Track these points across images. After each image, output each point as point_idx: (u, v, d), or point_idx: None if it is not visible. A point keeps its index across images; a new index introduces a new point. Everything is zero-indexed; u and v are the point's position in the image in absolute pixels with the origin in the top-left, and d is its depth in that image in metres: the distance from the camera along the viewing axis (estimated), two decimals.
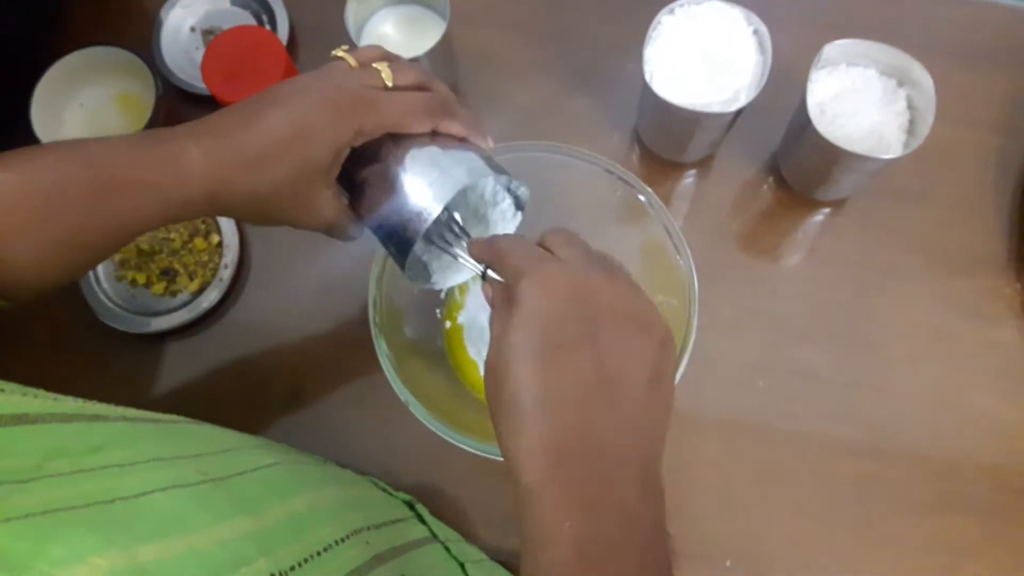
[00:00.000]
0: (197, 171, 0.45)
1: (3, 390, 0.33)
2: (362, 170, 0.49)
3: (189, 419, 0.45)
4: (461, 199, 0.50)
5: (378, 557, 0.45)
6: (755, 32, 0.66)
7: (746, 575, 0.64)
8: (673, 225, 0.58)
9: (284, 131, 0.45)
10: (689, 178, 0.75)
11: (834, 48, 0.65)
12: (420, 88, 0.50)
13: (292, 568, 0.35)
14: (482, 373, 0.66)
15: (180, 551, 0.30)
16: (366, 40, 0.72)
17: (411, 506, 0.61)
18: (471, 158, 0.48)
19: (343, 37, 0.68)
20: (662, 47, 0.66)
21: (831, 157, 0.63)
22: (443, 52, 0.69)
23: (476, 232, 0.54)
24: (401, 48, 0.72)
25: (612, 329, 0.38)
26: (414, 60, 0.67)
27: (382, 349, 0.56)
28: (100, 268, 0.72)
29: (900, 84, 0.66)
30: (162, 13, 0.79)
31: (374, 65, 0.49)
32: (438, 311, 0.69)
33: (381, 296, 0.58)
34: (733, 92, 0.65)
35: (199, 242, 0.72)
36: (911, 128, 0.65)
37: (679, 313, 0.57)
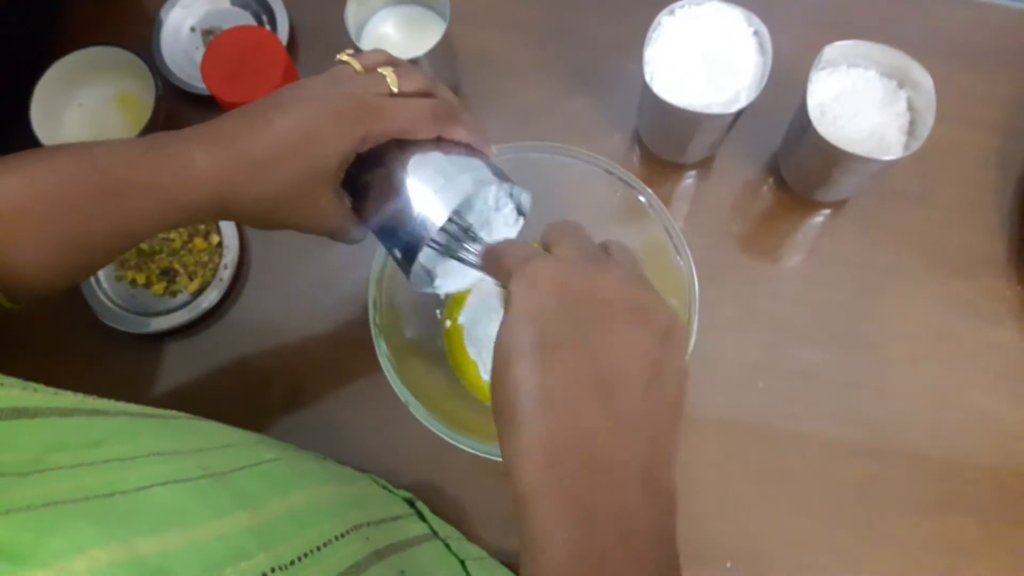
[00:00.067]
0: (202, 176, 0.45)
1: (3, 384, 0.33)
2: (366, 175, 0.49)
3: (189, 415, 0.45)
4: (465, 205, 0.50)
5: (377, 553, 0.45)
6: (755, 33, 0.66)
7: None
8: (673, 226, 0.58)
9: (290, 137, 0.45)
10: (689, 179, 0.75)
11: (834, 49, 0.65)
12: (425, 94, 0.50)
13: (291, 563, 0.35)
14: (483, 374, 0.66)
15: (180, 544, 0.30)
16: (366, 40, 0.72)
17: (411, 503, 0.61)
18: (476, 165, 0.49)
19: (343, 37, 0.68)
20: (662, 48, 0.66)
21: (831, 158, 0.63)
22: (443, 52, 0.69)
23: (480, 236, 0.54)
24: (401, 48, 0.72)
25: (606, 324, 0.36)
26: (414, 61, 0.67)
27: (382, 349, 0.56)
28: None
29: (900, 85, 0.66)
30: (162, 13, 0.79)
31: (379, 70, 0.49)
32: (438, 311, 0.69)
33: (381, 296, 0.58)
34: (733, 93, 0.65)
35: (199, 242, 0.72)
36: (911, 129, 0.65)
37: (679, 314, 0.57)
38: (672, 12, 0.66)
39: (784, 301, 0.71)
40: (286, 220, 0.49)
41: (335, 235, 0.51)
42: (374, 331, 0.56)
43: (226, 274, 0.71)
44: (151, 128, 0.71)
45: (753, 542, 0.65)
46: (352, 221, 0.50)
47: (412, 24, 0.73)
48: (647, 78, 0.64)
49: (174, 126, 0.47)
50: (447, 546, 0.57)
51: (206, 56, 0.70)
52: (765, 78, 0.64)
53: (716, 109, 0.64)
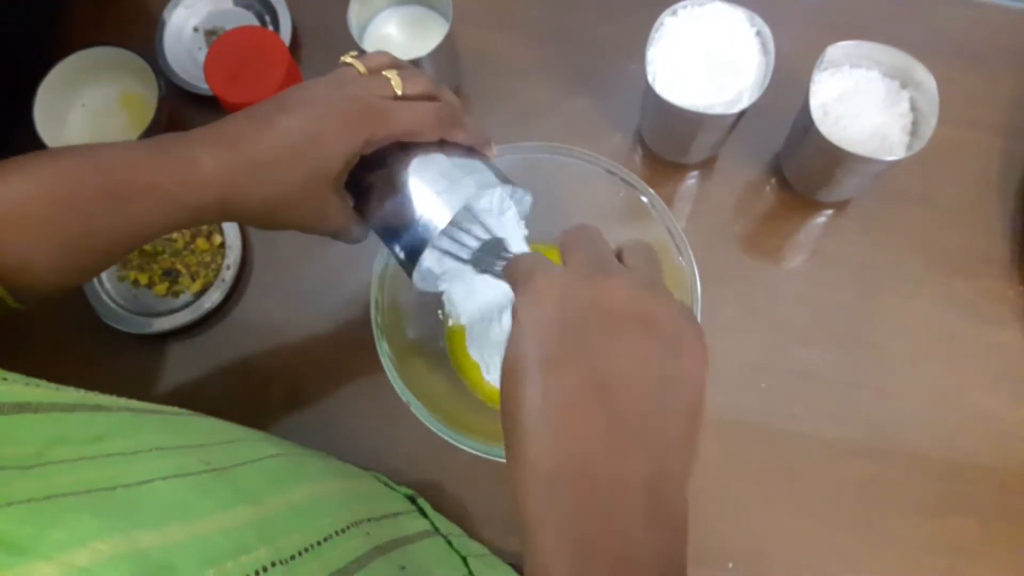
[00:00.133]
0: (208, 177, 0.45)
1: (6, 379, 0.33)
2: (370, 177, 0.49)
3: (191, 412, 0.45)
4: (467, 208, 0.51)
5: (378, 548, 0.45)
6: (758, 33, 0.66)
7: None
8: (675, 226, 0.58)
9: (295, 139, 0.46)
10: (691, 179, 0.75)
11: (837, 50, 0.65)
12: (428, 97, 0.50)
13: (292, 557, 0.35)
14: (485, 375, 0.66)
15: (182, 538, 0.30)
16: (368, 41, 0.72)
17: (413, 500, 0.61)
18: (478, 168, 0.49)
19: (346, 38, 0.68)
20: (665, 48, 0.66)
21: (834, 159, 0.63)
22: (446, 53, 0.69)
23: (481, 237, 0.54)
24: (404, 49, 0.72)
25: (610, 336, 0.34)
26: (416, 61, 0.67)
27: (384, 350, 0.56)
28: None
29: (903, 86, 0.66)
30: (165, 13, 0.79)
31: (383, 73, 0.49)
32: (440, 312, 0.69)
33: (383, 297, 0.58)
34: (736, 93, 0.65)
35: (201, 243, 0.72)
36: (914, 130, 0.65)
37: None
38: (674, 12, 0.66)
39: (786, 301, 0.71)
40: (289, 221, 0.49)
41: (338, 236, 0.52)
42: (376, 332, 0.57)
43: (228, 275, 0.71)
44: (154, 128, 0.71)
45: (754, 542, 0.65)
46: (355, 222, 0.51)
47: (414, 25, 0.73)
48: (649, 78, 0.64)
49: (177, 126, 0.47)
50: (449, 543, 0.57)
51: (209, 56, 0.70)
52: (767, 78, 0.64)
53: (718, 109, 0.64)
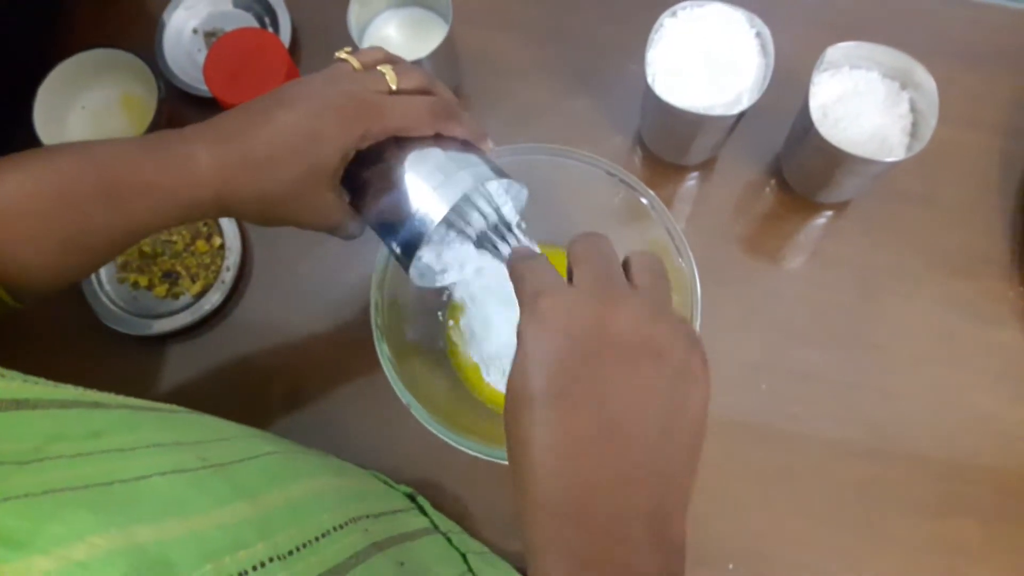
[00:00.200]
0: (204, 173, 0.45)
1: (3, 376, 0.33)
2: (366, 171, 0.49)
3: (189, 410, 0.45)
4: (464, 202, 0.51)
5: (377, 545, 0.45)
6: (758, 34, 0.66)
7: None
8: (675, 227, 0.58)
9: (291, 135, 0.46)
10: (691, 180, 0.75)
11: (837, 51, 0.65)
12: (423, 92, 0.50)
13: (290, 552, 0.35)
14: (486, 377, 0.66)
15: (179, 533, 0.30)
16: (368, 42, 0.72)
17: (412, 498, 0.61)
18: (474, 162, 0.49)
19: (345, 39, 0.68)
20: (664, 49, 0.66)
21: (834, 160, 0.63)
22: (445, 54, 0.69)
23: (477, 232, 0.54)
24: (404, 50, 0.72)
25: (616, 368, 0.34)
26: (417, 62, 0.67)
27: (383, 351, 0.56)
28: (102, 270, 0.72)
29: (903, 87, 0.66)
30: (164, 15, 0.79)
31: (378, 68, 0.49)
32: (440, 313, 0.69)
33: (383, 298, 0.58)
34: (735, 95, 0.65)
35: (201, 244, 0.72)
36: (914, 131, 0.65)
37: (681, 314, 0.57)
38: (674, 13, 0.66)
39: (786, 302, 0.71)
40: (286, 217, 0.49)
41: (334, 231, 0.52)
42: (376, 332, 0.57)
43: (228, 276, 0.71)
44: (154, 130, 0.71)
45: (754, 543, 0.65)
46: (351, 217, 0.51)
47: (414, 26, 0.73)
48: (649, 79, 0.64)
49: (176, 128, 0.47)
50: (448, 540, 0.57)
51: (208, 58, 0.70)
52: (767, 79, 0.64)
53: (718, 111, 0.64)
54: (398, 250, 0.49)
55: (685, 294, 0.57)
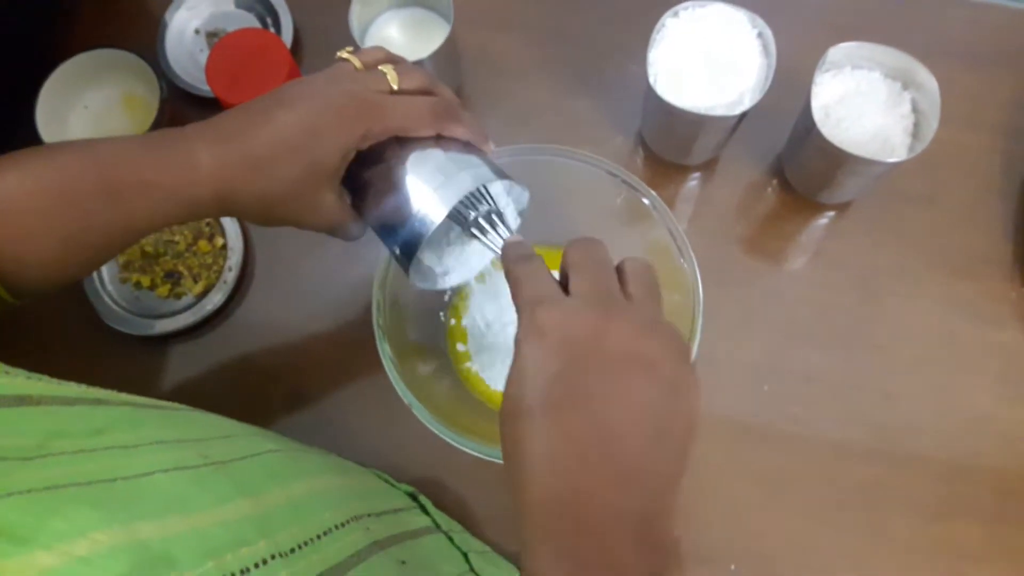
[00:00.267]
0: (204, 173, 0.45)
1: (7, 373, 0.33)
2: (367, 172, 0.49)
3: (191, 408, 0.45)
4: (464, 203, 0.51)
5: (378, 543, 0.45)
6: (759, 35, 0.66)
7: None
8: (677, 228, 0.58)
9: (291, 134, 0.46)
10: (693, 181, 0.75)
11: (839, 51, 0.65)
12: (424, 92, 0.50)
13: (292, 550, 0.35)
14: (486, 377, 0.66)
15: (181, 530, 0.30)
16: (370, 42, 0.72)
17: (414, 497, 0.61)
18: (475, 163, 0.49)
19: (347, 40, 0.68)
20: (666, 50, 0.66)
21: (835, 160, 0.63)
22: (447, 54, 0.69)
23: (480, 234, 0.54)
24: (405, 50, 0.71)
25: (611, 381, 0.35)
26: (418, 62, 0.67)
27: (385, 351, 0.56)
28: (104, 270, 0.72)
29: (905, 87, 0.66)
30: (166, 15, 0.79)
31: (380, 68, 0.49)
32: (441, 313, 0.69)
33: (384, 299, 0.58)
34: (737, 95, 0.65)
35: (203, 244, 0.72)
36: (916, 131, 0.65)
37: (683, 316, 0.57)
38: (676, 14, 0.66)
39: (788, 303, 0.71)
40: (286, 216, 0.49)
41: (335, 232, 0.52)
42: (377, 333, 0.57)
43: (230, 276, 0.71)
44: (155, 130, 0.71)
45: (757, 544, 0.65)
46: (352, 218, 0.51)
47: (416, 26, 0.73)
48: (651, 80, 0.64)
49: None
50: (450, 539, 0.57)
51: (210, 58, 0.70)
52: (769, 80, 0.64)
53: (720, 111, 0.64)
54: (398, 251, 0.49)
55: (687, 295, 0.57)
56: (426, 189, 0.47)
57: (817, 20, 0.78)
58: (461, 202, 0.48)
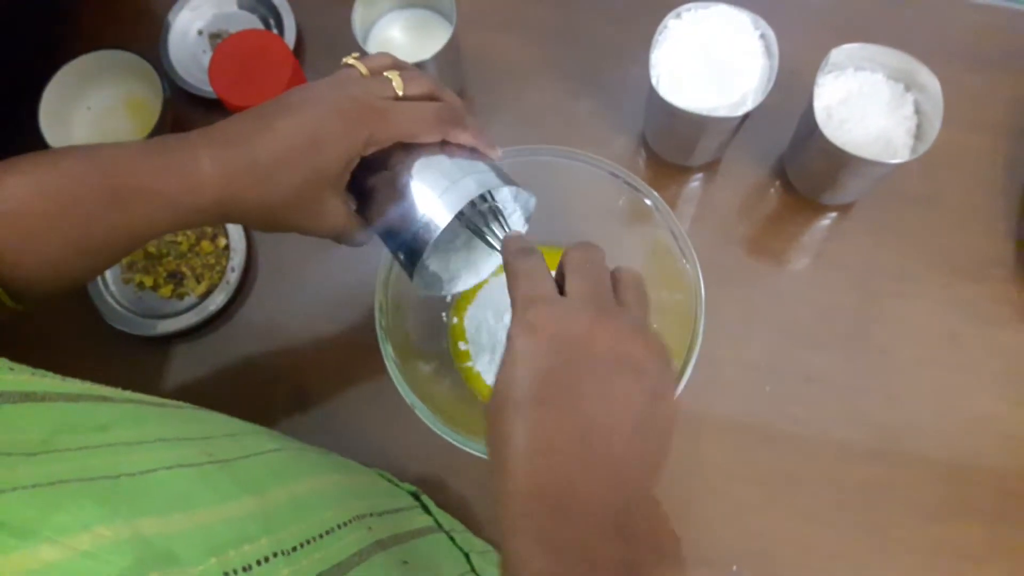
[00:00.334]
0: (207, 180, 0.45)
1: (12, 369, 0.33)
2: (371, 178, 0.49)
3: (195, 406, 0.45)
4: (470, 209, 0.51)
5: (380, 543, 0.45)
6: (762, 36, 0.66)
7: None
8: (679, 229, 0.58)
9: (295, 141, 0.46)
10: (695, 182, 0.75)
11: (841, 52, 0.65)
12: (430, 98, 0.50)
13: (294, 548, 0.36)
14: (488, 379, 0.66)
15: (184, 526, 0.30)
16: (372, 44, 0.72)
17: (416, 497, 0.61)
18: (480, 168, 0.49)
19: (350, 41, 0.68)
20: (668, 51, 0.66)
21: (838, 162, 0.63)
22: (450, 56, 0.70)
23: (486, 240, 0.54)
24: (408, 52, 0.72)
25: (598, 380, 0.37)
26: (421, 64, 0.67)
27: (388, 353, 0.56)
28: (107, 271, 0.72)
29: (907, 88, 0.66)
30: (169, 17, 0.79)
31: (385, 74, 0.49)
32: (443, 314, 0.69)
33: (387, 299, 0.58)
34: (740, 96, 0.65)
35: (206, 245, 0.72)
36: (918, 132, 0.65)
37: (685, 317, 0.57)
38: (678, 15, 0.66)
39: (790, 304, 0.71)
40: (290, 223, 0.49)
41: (340, 238, 0.51)
42: (380, 334, 0.57)
43: (233, 277, 0.71)
44: (158, 131, 0.71)
45: (759, 545, 0.65)
46: (357, 224, 0.51)
47: (419, 28, 0.73)
48: (653, 81, 0.64)
49: (181, 129, 0.47)
50: (452, 539, 0.57)
51: (213, 59, 0.70)
52: (771, 81, 0.64)
53: (722, 112, 0.64)
54: (402, 257, 0.49)
55: (689, 295, 0.57)
56: (431, 195, 0.47)
57: (819, 21, 0.78)
58: (467, 208, 0.48)
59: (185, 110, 0.76)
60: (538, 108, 0.77)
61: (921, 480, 0.66)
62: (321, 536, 0.39)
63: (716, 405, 0.68)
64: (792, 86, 0.66)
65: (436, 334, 0.68)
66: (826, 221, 0.73)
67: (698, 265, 0.57)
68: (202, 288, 0.71)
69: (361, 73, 0.49)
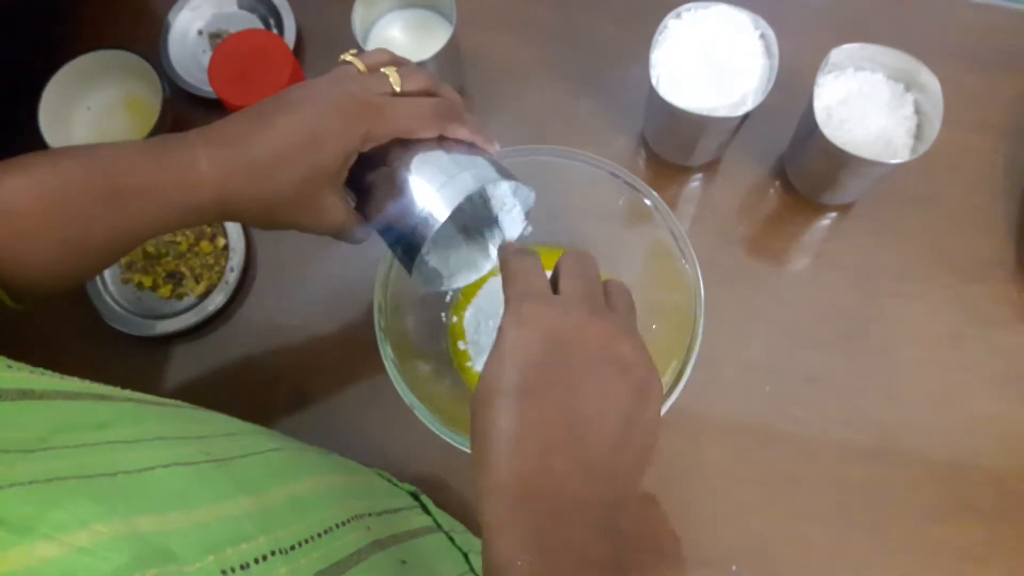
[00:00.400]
0: (206, 178, 0.45)
1: (10, 367, 0.33)
2: (370, 174, 0.49)
3: (194, 406, 0.45)
4: (469, 204, 0.51)
5: (378, 542, 0.45)
6: (762, 36, 0.66)
7: None
8: (679, 229, 0.58)
9: (293, 138, 0.46)
10: (695, 182, 0.75)
11: (841, 52, 0.65)
12: (428, 93, 0.50)
13: (292, 547, 0.36)
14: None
15: (182, 524, 0.30)
16: (372, 43, 0.72)
17: (415, 496, 0.61)
18: (478, 163, 0.49)
19: (350, 41, 0.68)
20: (669, 51, 0.66)
21: (838, 162, 0.63)
22: (450, 55, 0.70)
23: (486, 235, 0.54)
24: (408, 52, 0.72)
25: (587, 375, 0.37)
26: (421, 63, 0.67)
27: (387, 353, 0.56)
28: (106, 271, 0.72)
29: (907, 88, 0.66)
30: (169, 16, 0.79)
31: (382, 70, 0.49)
32: (443, 314, 0.69)
33: (386, 300, 0.58)
34: (740, 96, 0.65)
35: (205, 245, 0.72)
36: (918, 132, 0.65)
37: (685, 317, 0.57)
38: (678, 15, 0.66)
39: (790, 304, 0.71)
40: (289, 220, 0.49)
41: (339, 235, 0.51)
42: (379, 334, 0.57)
43: (232, 277, 0.71)
44: (158, 131, 0.71)
45: (758, 545, 0.65)
46: (356, 221, 0.51)
47: (419, 27, 0.73)
48: (653, 81, 0.64)
49: (181, 129, 0.47)
50: (451, 539, 0.57)
51: (213, 59, 0.70)
52: (771, 81, 0.64)
53: (722, 112, 0.64)
54: (401, 253, 0.49)
55: (688, 296, 0.57)
56: (429, 190, 0.47)
57: (819, 21, 0.78)
58: (466, 205, 0.48)
59: (185, 110, 0.76)
60: (538, 108, 0.77)
61: (921, 480, 0.66)
62: (319, 535, 0.39)
63: (716, 405, 0.68)
64: (792, 86, 0.66)
65: (435, 334, 0.68)
66: (826, 221, 0.73)
67: (698, 265, 0.57)
68: (201, 288, 0.71)
69: (359, 70, 0.49)
